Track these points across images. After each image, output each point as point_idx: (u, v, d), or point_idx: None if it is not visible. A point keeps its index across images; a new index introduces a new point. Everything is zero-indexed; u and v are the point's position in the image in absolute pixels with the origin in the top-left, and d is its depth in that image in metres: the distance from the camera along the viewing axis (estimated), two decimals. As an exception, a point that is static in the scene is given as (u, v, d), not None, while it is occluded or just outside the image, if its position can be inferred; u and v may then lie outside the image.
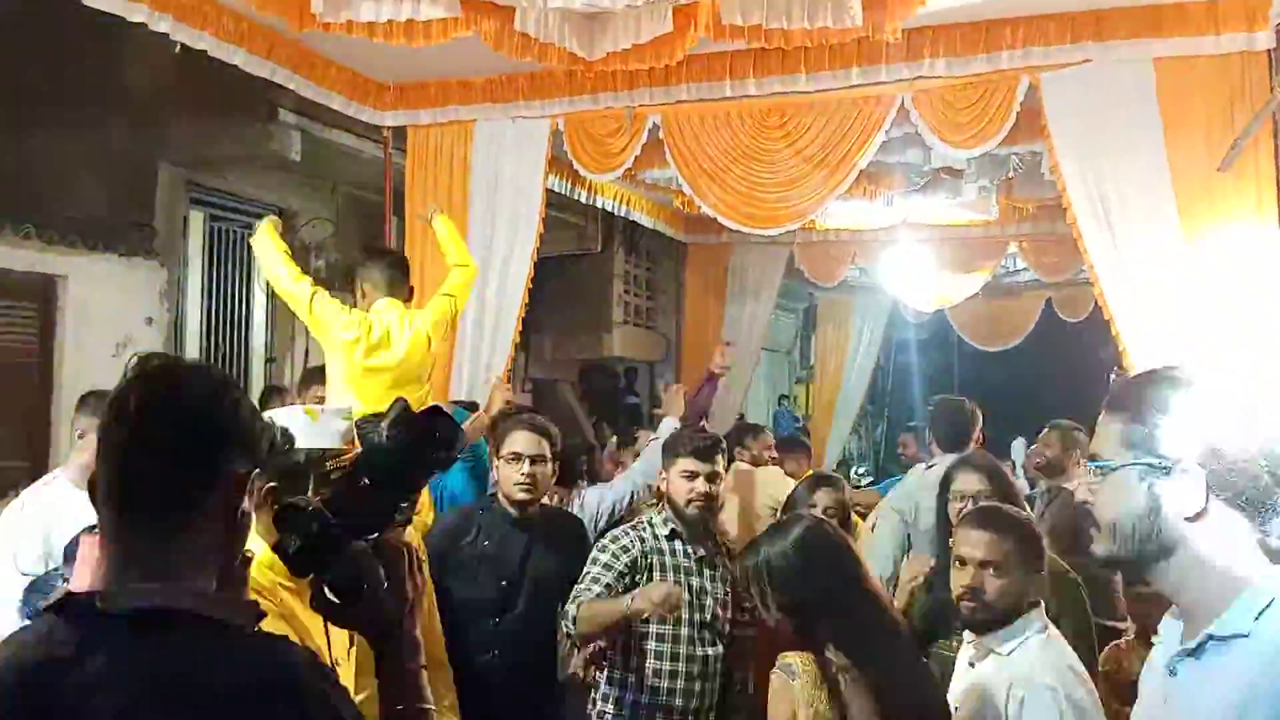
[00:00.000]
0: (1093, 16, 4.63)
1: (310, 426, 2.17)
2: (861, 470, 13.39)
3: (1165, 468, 1.40)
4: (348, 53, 5.37)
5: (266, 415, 2.18)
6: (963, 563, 2.56)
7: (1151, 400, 1.45)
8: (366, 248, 4.69)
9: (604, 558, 3.38)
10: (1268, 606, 1.31)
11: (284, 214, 7.47)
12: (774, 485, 5.33)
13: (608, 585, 3.31)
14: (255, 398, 7.09)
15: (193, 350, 6.84)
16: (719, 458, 3.52)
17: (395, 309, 4.39)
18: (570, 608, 3.28)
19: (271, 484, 2.06)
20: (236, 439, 1.38)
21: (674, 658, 3.34)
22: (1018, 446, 12.96)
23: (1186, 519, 1.38)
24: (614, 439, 6.20)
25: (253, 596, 1.93)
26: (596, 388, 10.44)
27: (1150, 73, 4.60)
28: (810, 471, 5.56)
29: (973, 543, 2.56)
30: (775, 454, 6.12)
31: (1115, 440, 1.46)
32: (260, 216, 7.26)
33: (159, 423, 1.34)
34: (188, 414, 1.35)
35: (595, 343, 9.79)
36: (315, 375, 4.81)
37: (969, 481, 3.28)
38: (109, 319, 6.04)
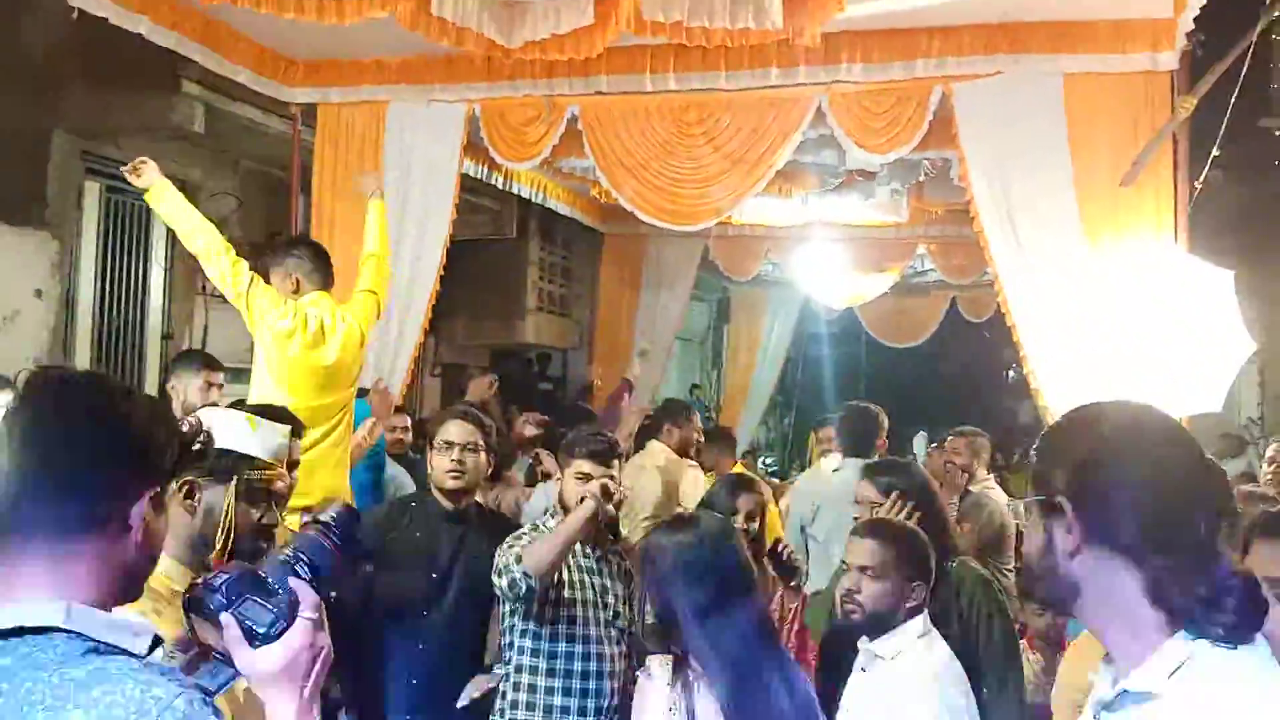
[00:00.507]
0: (1006, 30, 4.73)
1: (247, 435, 2.14)
2: (769, 460, 13.53)
3: (1053, 505, 1.37)
4: (256, 26, 5.20)
5: (205, 417, 2.14)
6: (847, 568, 2.72)
7: (1056, 441, 1.46)
8: (295, 237, 4.50)
9: (522, 543, 3.32)
10: (1179, 667, 1.26)
11: (185, 187, 7.21)
12: (689, 488, 5.30)
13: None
14: (154, 376, 6.86)
15: (85, 325, 6.56)
16: (615, 462, 3.48)
17: (326, 301, 4.23)
18: (510, 561, 3.16)
19: (190, 478, 2.05)
20: (131, 454, 1.32)
21: (584, 657, 3.32)
22: (919, 440, 13.23)
23: (1070, 557, 1.35)
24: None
25: (149, 604, 1.90)
26: (507, 374, 10.35)
27: (1059, 87, 4.71)
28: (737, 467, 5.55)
29: (855, 550, 2.71)
30: (702, 437, 6.08)
31: (1030, 480, 1.47)
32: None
33: (44, 443, 1.28)
34: (75, 433, 1.29)
35: (508, 328, 9.71)
36: (197, 359, 4.60)
37: (866, 490, 3.31)
38: (-5, 291, 5.77)
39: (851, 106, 5.06)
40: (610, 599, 3.43)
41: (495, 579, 3.24)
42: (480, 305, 9.54)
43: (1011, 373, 14.60)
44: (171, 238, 7.11)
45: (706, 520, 2.63)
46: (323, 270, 4.33)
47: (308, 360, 4.08)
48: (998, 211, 4.87)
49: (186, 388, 4.32)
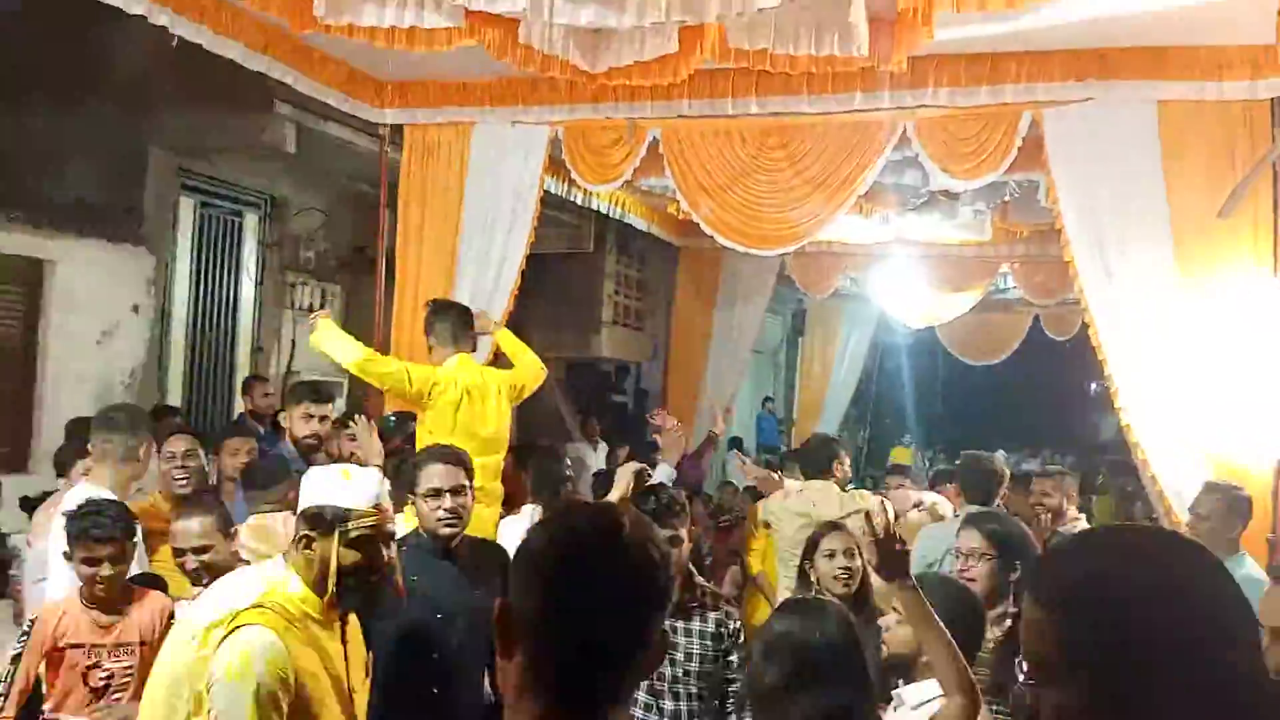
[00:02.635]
0: (1097, 55, 4.62)
1: (343, 486, 2.38)
2: (843, 476, 13.39)
3: None
4: (346, 50, 5.30)
5: (310, 474, 2.45)
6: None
7: None
8: (432, 302, 4.73)
9: None
10: None
11: (275, 202, 7.43)
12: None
13: None
14: (239, 387, 7.05)
15: (179, 339, 6.76)
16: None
17: (471, 366, 4.43)
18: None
19: (304, 533, 2.34)
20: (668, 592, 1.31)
21: (675, 715, 3.36)
22: (999, 459, 12.88)
23: None
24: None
25: (283, 623, 2.21)
26: (582, 386, 10.42)
27: (1153, 115, 4.59)
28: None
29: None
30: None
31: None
32: (251, 205, 7.27)
33: (635, 591, 1.23)
34: (654, 577, 1.25)
35: (583, 341, 9.78)
36: (300, 391, 4.74)
37: (969, 539, 3.27)
38: (95, 305, 5.99)
39: (937, 131, 5.00)
40: (694, 662, 3.38)
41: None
42: (556, 318, 9.62)
43: (1094, 386, 14.22)
44: (263, 253, 7.33)
45: (832, 612, 2.38)
46: (459, 333, 4.51)
47: (469, 424, 4.28)
48: (1088, 240, 4.76)
49: (292, 419, 4.49)
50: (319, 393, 4.64)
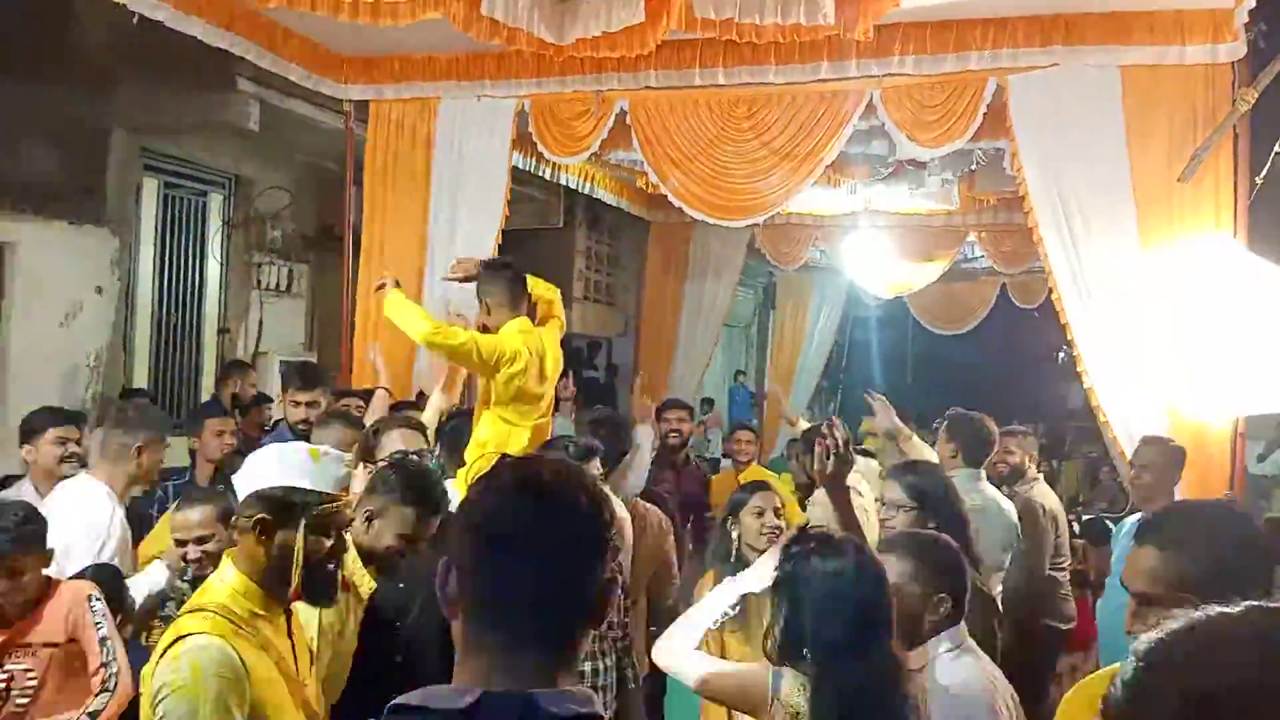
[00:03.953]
0: (1061, 21, 4.65)
1: (310, 467, 2.15)
2: (814, 447, 13.45)
3: None
4: (309, 25, 5.26)
5: (266, 452, 2.20)
6: None
7: None
8: (487, 263, 4.48)
9: None
10: None
11: (239, 181, 7.35)
12: None
13: None
14: (210, 370, 7.00)
15: (144, 320, 6.69)
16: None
17: (531, 331, 4.24)
18: None
19: (262, 516, 2.10)
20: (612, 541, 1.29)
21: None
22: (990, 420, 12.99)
23: None
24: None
25: (231, 628, 2.00)
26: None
27: (1116, 80, 4.63)
28: None
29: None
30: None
31: None
32: (215, 184, 7.19)
33: (565, 539, 1.23)
34: (586, 525, 1.24)
35: (555, 317, 9.74)
36: (291, 378, 4.73)
37: (890, 490, 3.26)
38: (58, 287, 5.90)
39: (904, 100, 5.02)
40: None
41: None
42: (527, 295, 9.59)
43: (1061, 355, 14.37)
44: (228, 233, 7.25)
45: (854, 547, 2.35)
46: (517, 294, 4.29)
47: (531, 388, 4.15)
48: (1052, 205, 4.80)
49: (285, 404, 4.59)
50: (304, 378, 4.61)
